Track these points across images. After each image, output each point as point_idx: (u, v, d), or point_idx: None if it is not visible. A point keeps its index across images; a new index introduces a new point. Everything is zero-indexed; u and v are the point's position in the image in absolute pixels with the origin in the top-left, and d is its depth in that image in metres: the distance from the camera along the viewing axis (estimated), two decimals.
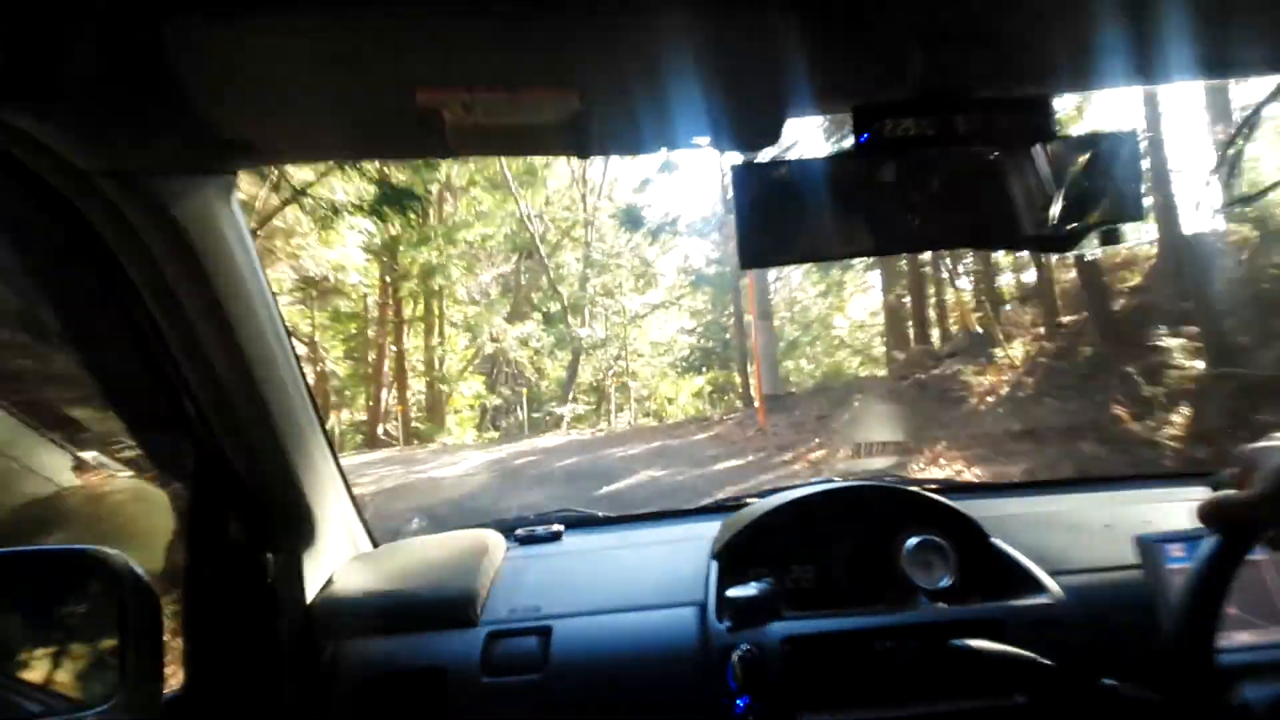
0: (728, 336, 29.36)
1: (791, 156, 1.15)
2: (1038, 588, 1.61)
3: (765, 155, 1.17)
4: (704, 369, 30.85)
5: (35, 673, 1.42)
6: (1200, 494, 1.88)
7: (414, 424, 25.25)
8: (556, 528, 2.06)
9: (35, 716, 1.38)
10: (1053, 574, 1.64)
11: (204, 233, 1.22)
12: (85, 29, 0.89)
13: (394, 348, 25.45)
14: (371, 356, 25.65)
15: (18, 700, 1.38)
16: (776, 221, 1.11)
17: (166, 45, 0.89)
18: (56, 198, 1.10)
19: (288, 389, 1.51)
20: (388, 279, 24.39)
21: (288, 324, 1.54)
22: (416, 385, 26.76)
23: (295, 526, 1.63)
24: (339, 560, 1.78)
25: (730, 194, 1.09)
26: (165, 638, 1.40)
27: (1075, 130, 1.26)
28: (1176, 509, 1.87)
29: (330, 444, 1.72)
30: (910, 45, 1.02)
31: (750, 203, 1.09)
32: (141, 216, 1.15)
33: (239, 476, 1.50)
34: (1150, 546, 1.52)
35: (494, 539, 1.93)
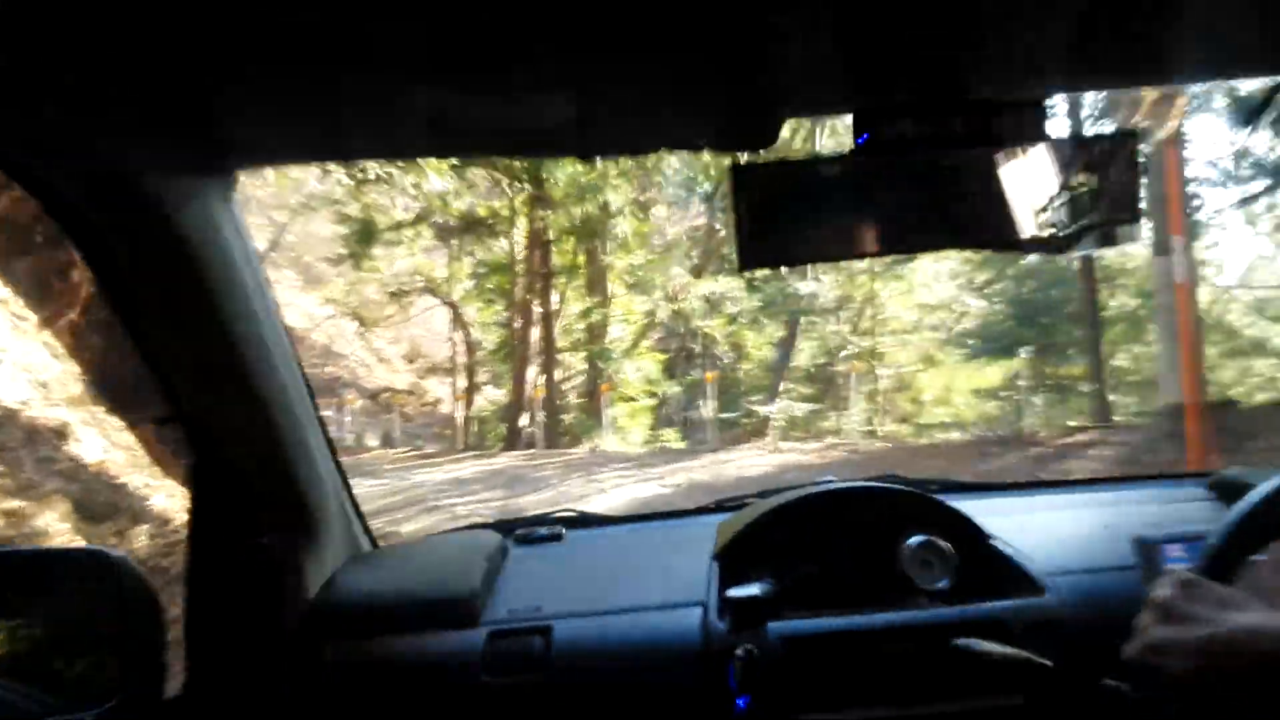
0: (1062, 303, 19.72)
1: (790, 158, 1.16)
2: (1037, 588, 1.61)
3: (764, 156, 1.17)
4: (1004, 353, 20.11)
5: (36, 672, 1.43)
6: (1199, 494, 1.94)
7: (568, 415, 19.95)
8: (557, 527, 2.04)
9: (36, 716, 1.39)
10: (1052, 574, 1.64)
11: (204, 233, 1.22)
12: (85, 32, 0.89)
13: (539, 308, 19.88)
14: (519, 324, 20.24)
15: (18, 700, 1.39)
16: (776, 223, 1.12)
17: (168, 47, 0.90)
18: (57, 198, 1.10)
19: (288, 389, 1.51)
20: (531, 214, 18.65)
21: (285, 323, 1.55)
22: (575, 363, 21.01)
23: (296, 526, 1.62)
24: (339, 560, 1.78)
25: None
26: (165, 637, 1.41)
27: (1073, 131, 1.21)
28: (1176, 510, 1.86)
29: (330, 443, 1.73)
30: (908, 47, 1.03)
31: (749, 204, 1.09)
32: (141, 217, 1.15)
33: (239, 476, 1.50)
34: (1149, 547, 1.53)
35: (494, 539, 1.92)
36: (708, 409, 17.30)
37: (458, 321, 23.05)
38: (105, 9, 0.87)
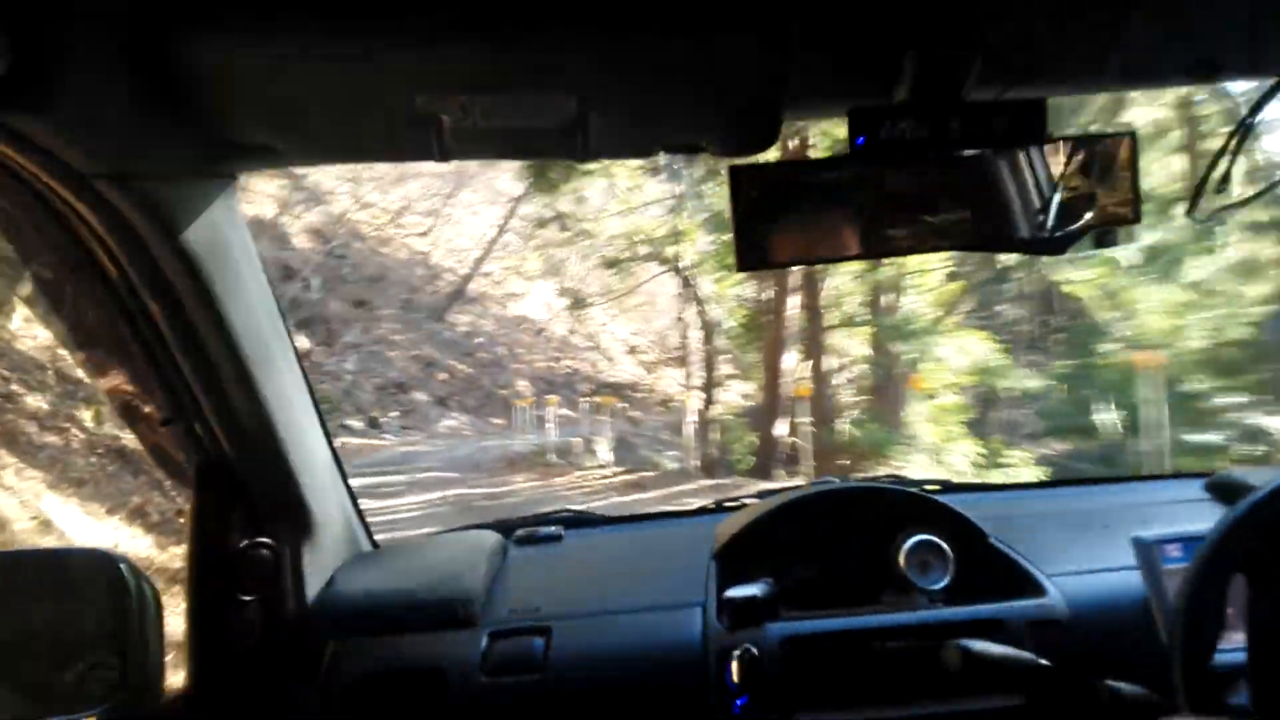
0: None
1: (788, 159, 1.20)
2: (1036, 588, 1.61)
3: (762, 158, 1.17)
4: None
5: (37, 672, 1.42)
6: (1198, 494, 1.94)
7: (845, 418, 14.15)
8: (557, 528, 2.03)
9: (36, 716, 1.38)
10: (1051, 574, 1.65)
11: (206, 236, 1.23)
12: (88, 33, 0.90)
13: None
14: (768, 294, 14.33)
15: (19, 700, 1.39)
16: (774, 224, 1.12)
17: (169, 50, 0.90)
18: (58, 200, 1.11)
19: (289, 390, 1.52)
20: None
21: (289, 326, 1.56)
22: (851, 346, 15.01)
23: (296, 527, 1.62)
24: (339, 560, 1.77)
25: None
26: (165, 637, 1.42)
27: (1071, 133, 1.21)
28: (1175, 509, 1.87)
29: (331, 444, 1.74)
30: (905, 49, 1.03)
31: (747, 205, 1.10)
32: (143, 220, 1.15)
33: (240, 477, 1.51)
34: (1148, 547, 1.53)
35: (494, 539, 1.92)
36: (1152, 415, 9.71)
37: (689, 294, 17.85)
38: (108, 13, 0.88)
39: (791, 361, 14.15)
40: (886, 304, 14.17)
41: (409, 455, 16.81)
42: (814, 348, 14.33)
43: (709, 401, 17.27)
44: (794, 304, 13.92)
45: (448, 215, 28.60)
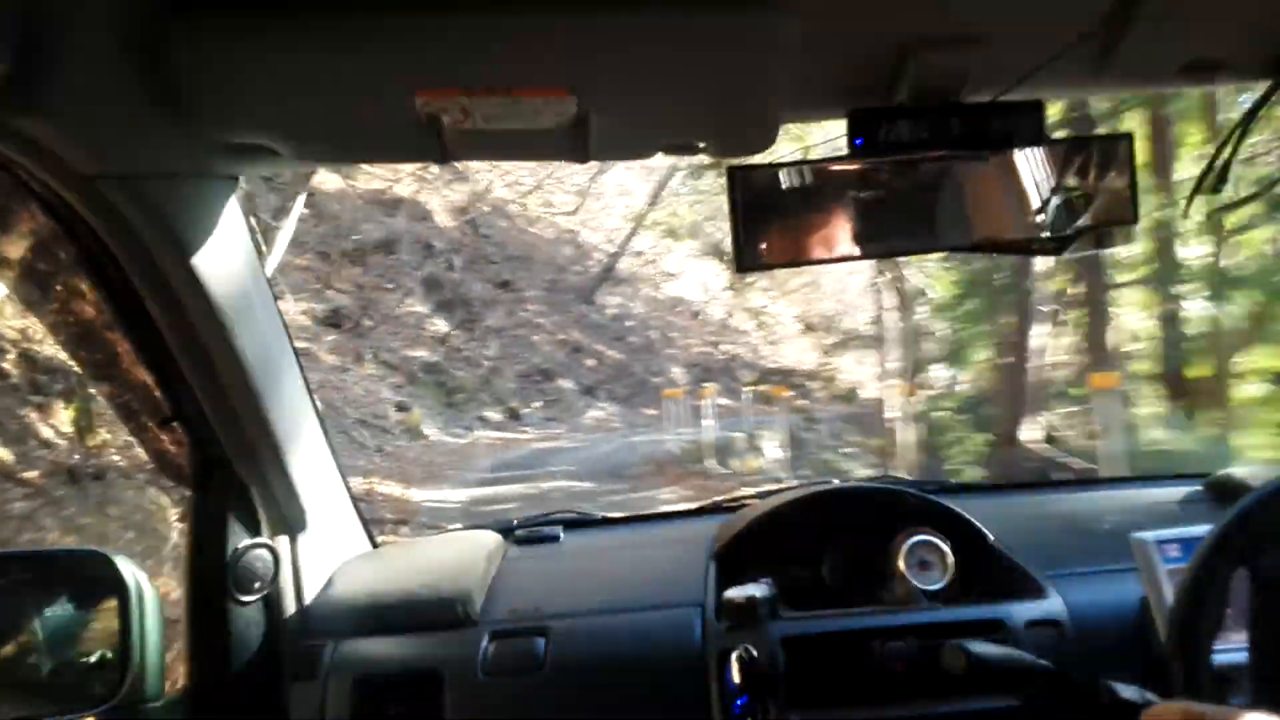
0: None
1: (787, 160, 1.17)
2: (1036, 588, 1.62)
3: (761, 158, 1.17)
4: None
5: (37, 672, 1.44)
6: (1197, 494, 1.93)
7: (1154, 414, 9.97)
8: (556, 529, 2.05)
9: (38, 716, 1.40)
10: (1050, 575, 1.65)
11: (205, 235, 1.24)
12: (88, 33, 0.91)
13: None
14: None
15: (21, 700, 1.41)
16: (773, 225, 1.14)
17: (170, 49, 0.91)
18: (58, 201, 1.12)
19: (288, 391, 1.53)
20: None
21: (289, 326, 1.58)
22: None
23: (295, 527, 1.64)
24: (338, 560, 1.79)
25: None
26: (165, 637, 1.44)
27: (1068, 134, 1.18)
28: (1174, 509, 1.88)
29: (330, 444, 1.74)
30: (904, 50, 1.03)
31: (746, 206, 1.11)
32: (143, 220, 1.16)
33: (239, 477, 1.52)
34: (1147, 547, 1.51)
35: (493, 539, 1.93)
36: None
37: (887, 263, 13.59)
38: (108, 13, 0.89)
39: (1039, 337, 10.56)
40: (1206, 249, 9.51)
41: (542, 455, 14.93)
42: (1095, 315, 9.96)
43: (911, 391, 12.28)
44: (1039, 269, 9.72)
45: (597, 193, 27.40)
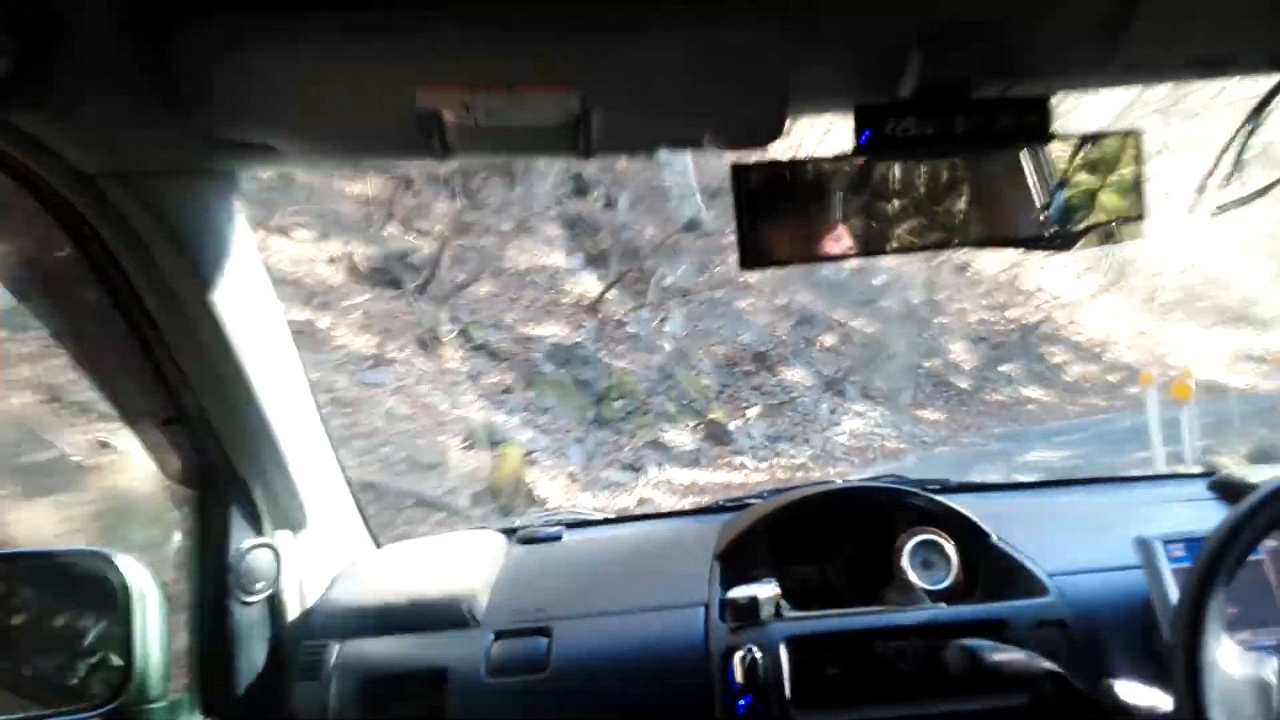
0: None
1: (793, 156, 1.14)
2: (1038, 588, 1.62)
3: (766, 154, 1.15)
4: None
5: (40, 673, 1.45)
6: (1201, 493, 1.98)
7: None
8: (558, 529, 2.05)
9: (41, 716, 1.39)
10: (1053, 574, 1.65)
11: (205, 233, 1.25)
12: (88, 31, 0.90)
13: None
14: None
15: (23, 700, 1.41)
16: (778, 221, 1.13)
17: (170, 48, 0.90)
18: (58, 198, 1.12)
19: (291, 391, 1.54)
20: None
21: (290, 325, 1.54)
22: None
23: (298, 527, 1.65)
24: (341, 560, 1.80)
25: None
26: (168, 637, 1.44)
27: (1076, 129, 1.19)
28: (1177, 509, 1.88)
29: (333, 445, 1.75)
30: (910, 44, 1.02)
31: (751, 202, 1.10)
32: (143, 217, 1.17)
33: (241, 477, 1.52)
34: (1151, 546, 1.53)
35: (496, 540, 1.95)
36: None
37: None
38: (108, 11, 0.89)
39: None
40: None
41: None
42: None
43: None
44: None
45: None
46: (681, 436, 10.42)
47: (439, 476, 7.37)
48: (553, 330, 10.71)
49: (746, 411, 11.71)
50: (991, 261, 20.06)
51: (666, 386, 11.02)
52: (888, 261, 17.64)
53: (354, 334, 8.43)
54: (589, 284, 12.08)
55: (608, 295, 11.90)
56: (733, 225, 1.07)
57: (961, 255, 19.24)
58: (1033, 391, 16.68)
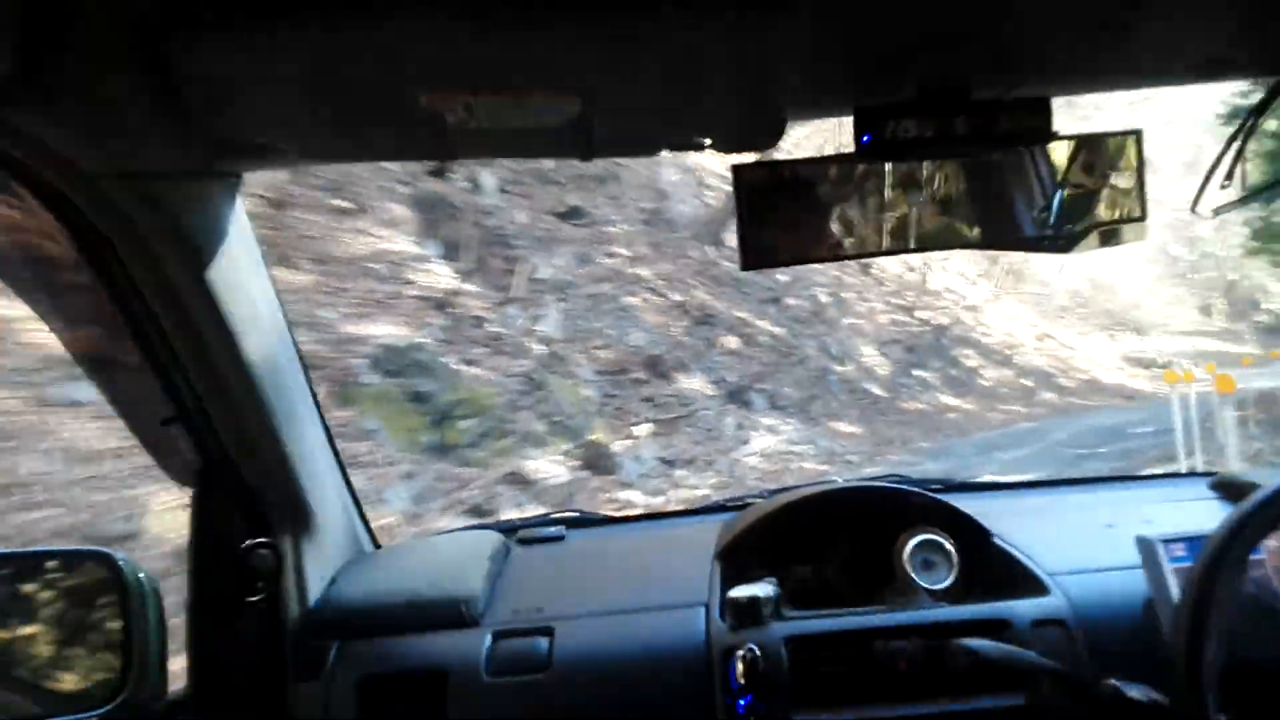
0: None
1: (793, 157, 1.16)
2: (1039, 587, 1.62)
3: (767, 156, 1.18)
4: None
5: (40, 673, 1.43)
6: (1202, 493, 2.00)
7: None
8: (559, 528, 2.04)
9: (40, 717, 1.41)
10: (1054, 574, 1.65)
11: (209, 234, 1.24)
12: (91, 33, 0.90)
13: None
14: None
15: (22, 700, 1.41)
16: (778, 222, 1.14)
17: (173, 48, 0.90)
18: (60, 198, 1.12)
19: (292, 390, 1.54)
20: None
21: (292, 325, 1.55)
22: None
23: (299, 527, 1.64)
24: (342, 561, 1.80)
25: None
26: (167, 638, 1.43)
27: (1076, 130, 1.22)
28: (1178, 509, 1.89)
29: (334, 445, 1.75)
30: (911, 47, 1.03)
31: (752, 203, 1.11)
32: (146, 218, 1.16)
33: (242, 477, 1.52)
34: (1152, 546, 1.52)
35: (496, 540, 1.93)
36: None
37: None
38: (110, 13, 0.88)
39: None
40: None
41: None
42: None
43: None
44: None
45: None
46: (551, 465, 7.94)
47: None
48: (386, 329, 8.01)
49: (635, 430, 9.38)
50: (894, 260, 19.27)
51: (535, 400, 8.58)
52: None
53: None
54: (442, 275, 9.54)
55: (465, 287, 9.54)
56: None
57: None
58: (952, 398, 15.88)
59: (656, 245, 13.58)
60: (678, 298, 12.70)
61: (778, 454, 10.49)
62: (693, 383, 11.13)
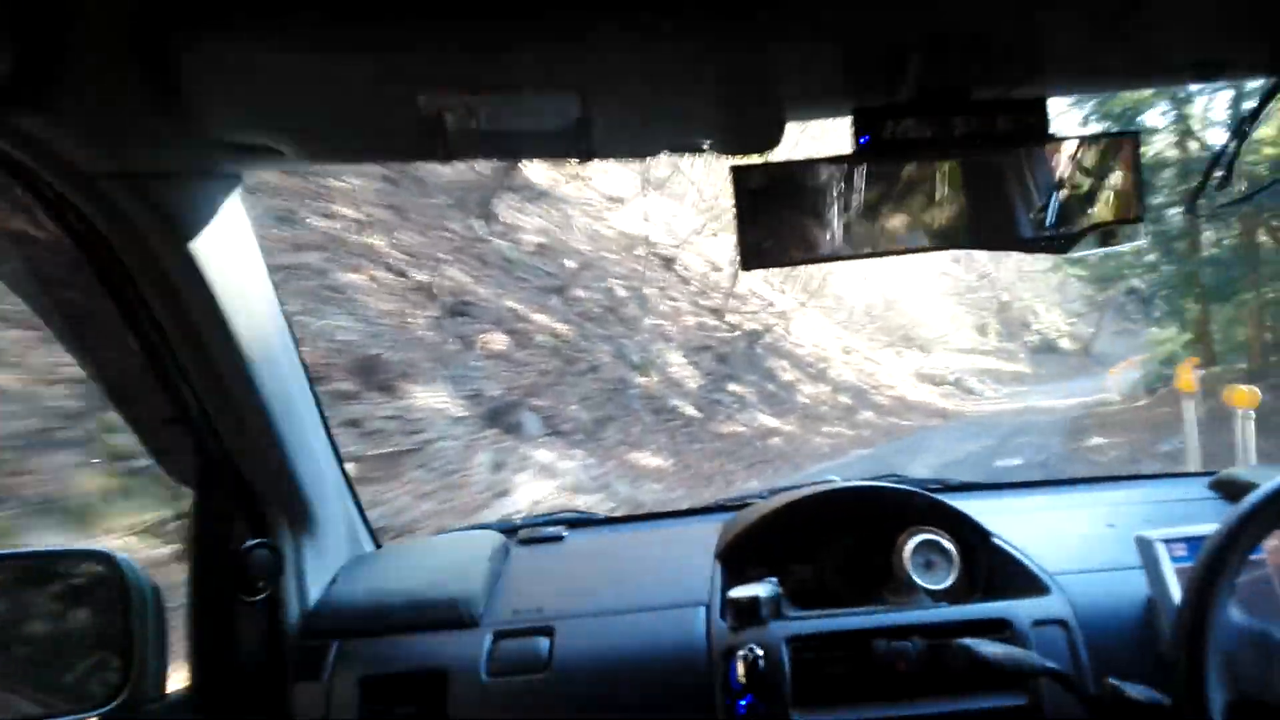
0: None
1: (792, 158, 1.14)
2: (1040, 587, 1.62)
3: (766, 157, 1.16)
4: None
5: (40, 673, 1.43)
6: (1202, 493, 1.98)
7: None
8: (559, 528, 2.04)
9: (40, 716, 1.39)
10: (1054, 573, 1.65)
11: (208, 234, 1.24)
12: (91, 33, 0.90)
13: None
14: None
15: (21, 700, 1.40)
16: (777, 223, 1.13)
17: (171, 49, 0.90)
18: (61, 200, 1.12)
19: (292, 390, 1.54)
20: None
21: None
22: None
23: (298, 527, 1.64)
24: (342, 560, 1.80)
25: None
26: (168, 637, 1.44)
27: (1073, 132, 1.24)
28: (1179, 509, 1.89)
29: (334, 444, 1.75)
30: (910, 48, 1.03)
31: (751, 204, 1.10)
32: (146, 219, 1.17)
33: (243, 477, 1.52)
34: (1152, 546, 1.53)
35: (496, 540, 1.93)
36: None
37: None
38: (111, 13, 0.88)
39: None
40: None
41: None
42: None
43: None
44: None
45: None
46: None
47: None
48: None
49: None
50: (698, 256, 17.37)
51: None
52: (580, 243, 14.08)
53: None
54: None
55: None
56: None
57: (669, 247, 16.75)
58: (772, 419, 13.23)
59: (399, 209, 9.93)
60: (422, 277, 9.12)
61: (555, 509, 7.01)
62: (432, 398, 7.60)
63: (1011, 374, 30.15)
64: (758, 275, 18.51)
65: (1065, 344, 40.38)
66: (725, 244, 17.19)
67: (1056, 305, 40.70)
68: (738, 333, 15.77)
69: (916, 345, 26.88)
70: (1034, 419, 16.88)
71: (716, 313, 15.88)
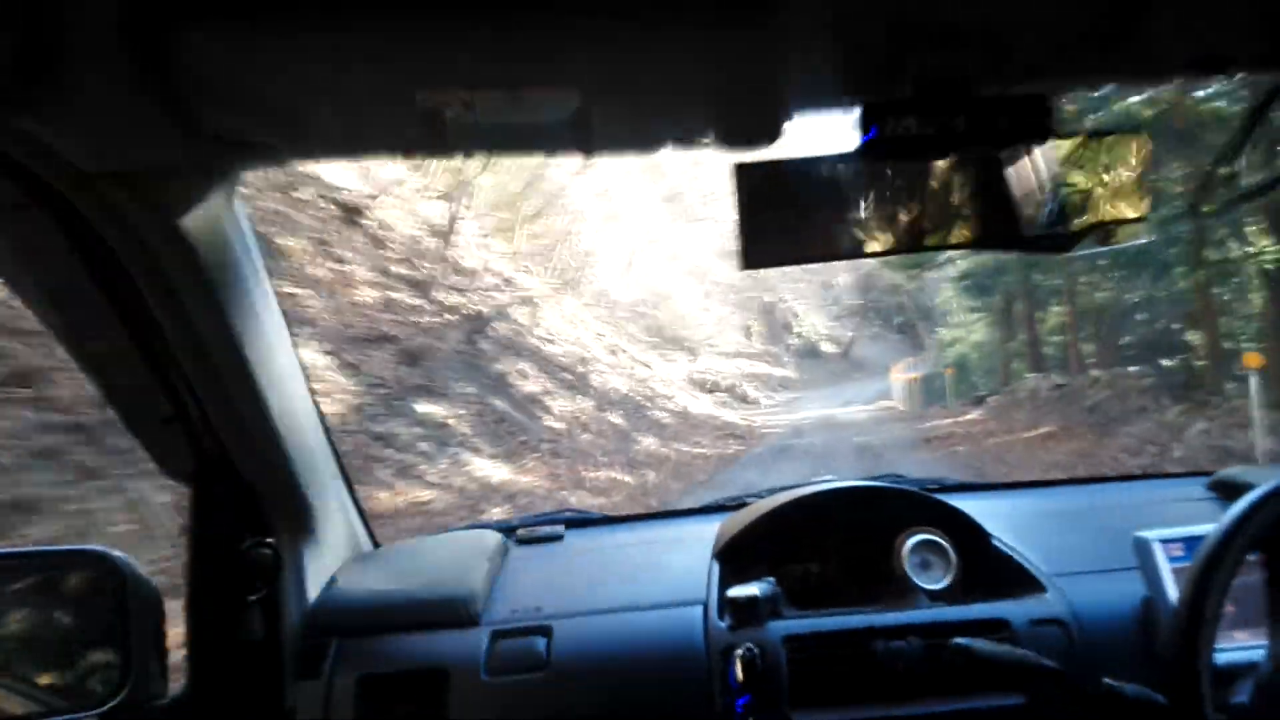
0: None
1: (793, 155, 1.13)
2: (1038, 587, 1.62)
3: (766, 154, 1.14)
4: None
5: (38, 672, 1.43)
6: (1199, 493, 2.00)
7: None
8: (557, 528, 2.05)
9: (37, 716, 1.39)
10: (1052, 574, 1.65)
11: (206, 233, 1.24)
12: (87, 30, 0.89)
13: None
14: None
15: (21, 700, 1.39)
16: (778, 222, 1.12)
17: (170, 46, 0.90)
18: (57, 198, 1.11)
19: (291, 389, 1.53)
20: None
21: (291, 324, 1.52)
22: None
23: (297, 526, 1.64)
24: (341, 560, 1.80)
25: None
26: (167, 637, 1.43)
27: (1078, 129, 1.22)
28: (1176, 509, 1.89)
29: (333, 444, 1.74)
30: (911, 44, 1.02)
31: (751, 202, 1.10)
32: (143, 217, 1.16)
33: (241, 476, 1.52)
34: (1149, 546, 1.54)
35: (495, 539, 1.94)
36: None
37: None
38: (108, 11, 0.87)
39: None
40: None
41: None
42: None
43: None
44: None
45: None
46: None
47: None
48: None
49: None
50: (411, 216, 12.86)
51: None
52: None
53: None
54: None
55: None
56: None
57: (358, 195, 12.42)
58: (493, 463, 8.76)
59: None
60: None
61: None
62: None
63: (780, 379, 29.31)
64: (497, 251, 15.59)
65: (826, 347, 40.91)
66: (441, 209, 13.15)
67: (817, 308, 41.20)
68: (454, 318, 11.54)
69: (685, 347, 25.23)
70: (843, 435, 14.63)
71: (420, 287, 11.52)
